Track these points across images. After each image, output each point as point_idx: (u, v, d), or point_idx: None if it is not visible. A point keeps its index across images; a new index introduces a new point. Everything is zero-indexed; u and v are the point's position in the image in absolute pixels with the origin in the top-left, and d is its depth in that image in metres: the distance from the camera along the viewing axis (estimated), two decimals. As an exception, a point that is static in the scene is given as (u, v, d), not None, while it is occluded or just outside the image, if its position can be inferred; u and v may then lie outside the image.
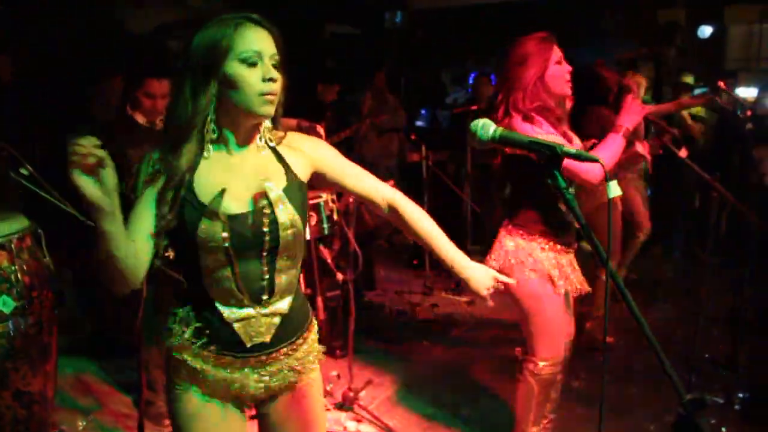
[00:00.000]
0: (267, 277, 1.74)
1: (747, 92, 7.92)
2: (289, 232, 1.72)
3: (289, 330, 1.83)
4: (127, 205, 1.64)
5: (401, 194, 1.99)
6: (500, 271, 2.75)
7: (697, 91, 6.57)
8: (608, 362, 4.14)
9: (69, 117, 5.43)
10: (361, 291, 5.29)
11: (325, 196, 3.90)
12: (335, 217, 4.00)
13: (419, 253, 6.36)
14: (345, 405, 3.75)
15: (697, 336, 3.61)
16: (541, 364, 2.84)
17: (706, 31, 8.48)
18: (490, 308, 2.13)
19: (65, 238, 3.28)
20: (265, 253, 1.72)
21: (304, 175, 1.82)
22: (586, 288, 2.91)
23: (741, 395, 3.77)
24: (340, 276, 3.82)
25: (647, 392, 3.92)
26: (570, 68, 2.74)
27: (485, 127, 1.67)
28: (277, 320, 1.79)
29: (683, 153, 3.83)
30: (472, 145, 1.70)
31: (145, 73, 3.49)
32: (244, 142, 1.74)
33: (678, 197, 6.59)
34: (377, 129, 5.83)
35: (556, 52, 2.71)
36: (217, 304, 1.75)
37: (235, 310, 1.75)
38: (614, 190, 3.81)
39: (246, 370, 1.79)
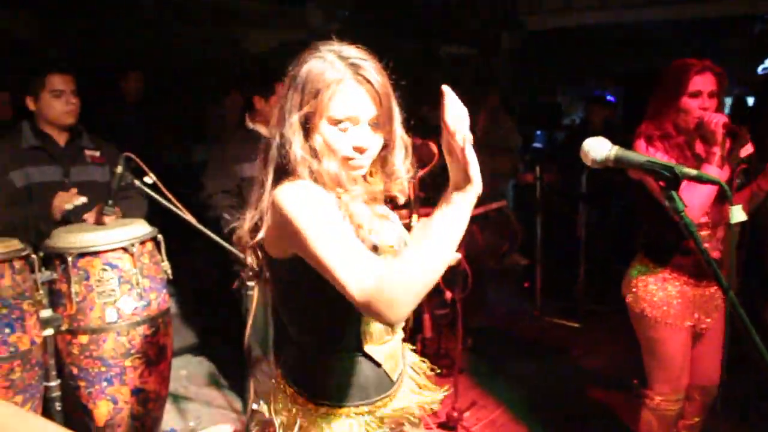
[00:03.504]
0: None
1: None
2: None
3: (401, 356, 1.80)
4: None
5: None
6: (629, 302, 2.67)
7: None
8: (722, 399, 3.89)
9: (188, 131, 5.71)
10: (469, 311, 5.22)
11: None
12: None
13: (531, 275, 6.23)
14: (449, 425, 3.70)
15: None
16: (658, 398, 2.72)
17: None
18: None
19: (182, 243, 3.42)
20: None
21: None
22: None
23: None
24: (448, 294, 3.78)
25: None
26: (714, 103, 2.55)
27: (599, 146, 1.61)
28: (402, 347, 1.79)
29: None
30: (587, 165, 1.64)
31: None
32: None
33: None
34: (490, 149, 5.77)
35: (695, 83, 2.54)
36: (367, 344, 1.64)
37: (380, 346, 1.67)
38: (738, 215, 3.57)
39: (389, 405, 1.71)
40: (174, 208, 2.79)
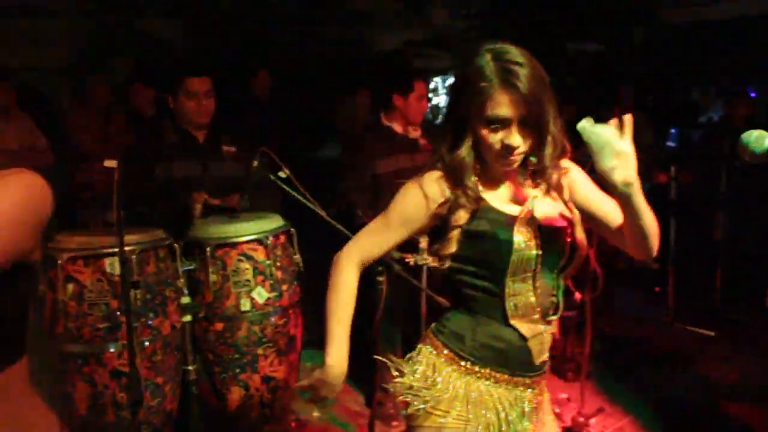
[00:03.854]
0: (555, 293, 1.76)
1: None
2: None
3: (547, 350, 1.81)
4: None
5: None
6: None
7: None
8: None
9: (316, 129, 5.84)
10: (597, 314, 5.05)
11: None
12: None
13: (662, 280, 5.95)
14: (574, 430, 3.59)
15: None
16: None
17: None
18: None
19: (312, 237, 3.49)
20: (557, 269, 1.75)
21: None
22: None
23: None
24: (578, 296, 3.66)
25: None
26: None
27: (760, 138, 1.50)
28: (551, 340, 1.79)
29: None
30: (743, 159, 1.53)
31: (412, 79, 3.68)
32: (504, 177, 1.77)
33: None
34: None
35: None
36: (515, 319, 1.73)
37: (531, 326, 1.74)
38: None
39: (518, 389, 1.76)
40: (307, 203, 2.84)
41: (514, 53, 1.62)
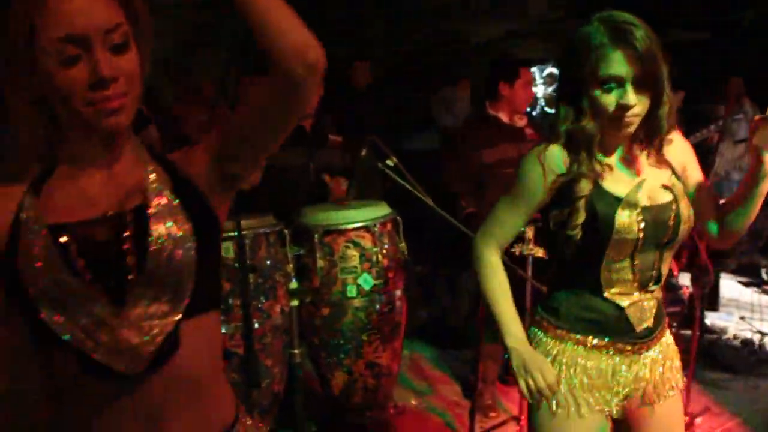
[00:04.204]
0: (657, 266, 1.76)
1: None
2: (686, 227, 1.72)
3: (660, 315, 1.83)
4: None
5: None
6: None
7: None
8: None
9: (412, 120, 5.85)
10: (703, 310, 4.88)
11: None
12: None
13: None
14: (679, 428, 3.48)
15: None
16: None
17: None
18: None
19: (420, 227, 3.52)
20: (663, 245, 1.74)
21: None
22: None
23: None
24: (686, 290, 3.55)
25: None
26: None
27: None
28: (655, 305, 1.79)
29: None
30: None
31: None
32: (614, 148, 1.76)
33: None
34: (732, 138, 5.34)
35: None
36: (610, 292, 1.75)
37: (627, 296, 1.76)
38: None
39: (632, 356, 1.79)
40: (414, 191, 2.86)
41: (625, 15, 1.63)
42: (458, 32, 6.61)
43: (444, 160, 3.74)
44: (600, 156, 1.71)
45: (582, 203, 1.68)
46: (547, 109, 7.70)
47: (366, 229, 2.95)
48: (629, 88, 1.61)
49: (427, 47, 6.13)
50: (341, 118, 4.31)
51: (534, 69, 7.94)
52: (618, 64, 1.60)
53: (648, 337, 1.79)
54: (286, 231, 2.89)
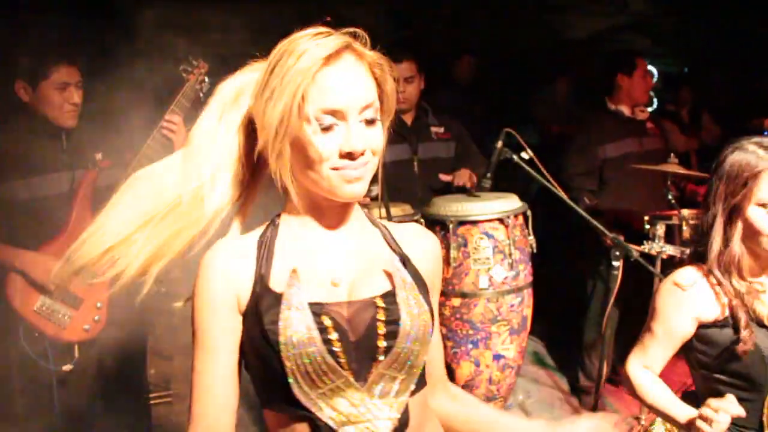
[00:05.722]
0: None
1: None
2: None
3: None
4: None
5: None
6: None
7: None
8: None
9: (514, 114, 5.80)
10: None
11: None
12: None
13: None
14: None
15: None
16: None
17: None
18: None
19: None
20: None
21: None
22: None
23: None
24: None
25: None
26: None
27: None
28: None
29: None
30: None
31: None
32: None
33: None
34: None
35: None
36: None
37: None
38: None
39: None
40: (549, 185, 2.87)
41: None
42: (557, 28, 6.54)
43: (566, 154, 3.73)
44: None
45: (747, 333, 1.69)
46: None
47: (500, 221, 2.97)
48: None
49: (527, 43, 6.08)
50: (446, 110, 4.31)
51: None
52: None
53: None
54: (422, 220, 2.93)
